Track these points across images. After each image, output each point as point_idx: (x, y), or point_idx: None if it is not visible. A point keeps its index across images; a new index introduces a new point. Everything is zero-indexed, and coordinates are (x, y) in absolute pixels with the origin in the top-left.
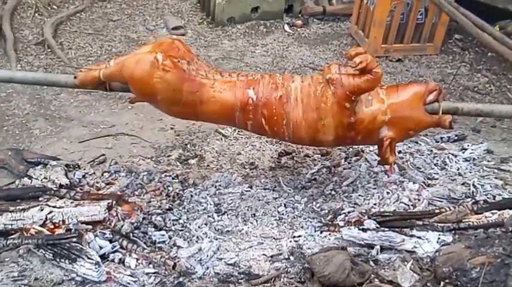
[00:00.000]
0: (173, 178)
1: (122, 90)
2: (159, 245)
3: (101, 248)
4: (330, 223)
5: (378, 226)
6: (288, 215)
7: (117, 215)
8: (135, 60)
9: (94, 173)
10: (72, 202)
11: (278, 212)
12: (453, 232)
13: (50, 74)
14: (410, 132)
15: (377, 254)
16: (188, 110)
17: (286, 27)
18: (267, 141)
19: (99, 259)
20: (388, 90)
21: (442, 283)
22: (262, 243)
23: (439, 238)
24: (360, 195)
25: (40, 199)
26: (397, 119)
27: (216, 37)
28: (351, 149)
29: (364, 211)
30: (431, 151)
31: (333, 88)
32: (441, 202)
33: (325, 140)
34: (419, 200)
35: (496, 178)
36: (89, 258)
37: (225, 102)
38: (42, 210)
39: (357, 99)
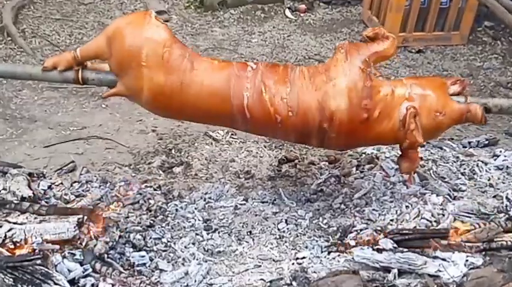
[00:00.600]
0: (155, 189)
1: (97, 84)
2: (138, 268)
3: (70, 271)
4: (339, 242)
5: (395, 245)
6: (289, 233)
7: (89, 233)
8: (122, 17)
9: (62, 183)
10: (36, 218)
11: (278, 229)
12: (483, 253)
13: (11, 65)
14: (438, 115)
15: (394, 279)
16: (175, 80)
17: (288, 12)
18: (265, 147)
19: (67, 285)
20: (406, 78)
21: None
22: (260, 266)
23: (467, 260)
24: (374, 209)
25: None
26: (419, 96)
27: (206, 24)
28: (363, 155)
29: (379, 228)
30: (458, 157)
31: (343, 51)
32: (469, 217)
33: (337, 109)
34: (443, 215)
35: None
36: (55, 283)
37: (220, 68)
38: (0, 227)
39: (372, 63)
